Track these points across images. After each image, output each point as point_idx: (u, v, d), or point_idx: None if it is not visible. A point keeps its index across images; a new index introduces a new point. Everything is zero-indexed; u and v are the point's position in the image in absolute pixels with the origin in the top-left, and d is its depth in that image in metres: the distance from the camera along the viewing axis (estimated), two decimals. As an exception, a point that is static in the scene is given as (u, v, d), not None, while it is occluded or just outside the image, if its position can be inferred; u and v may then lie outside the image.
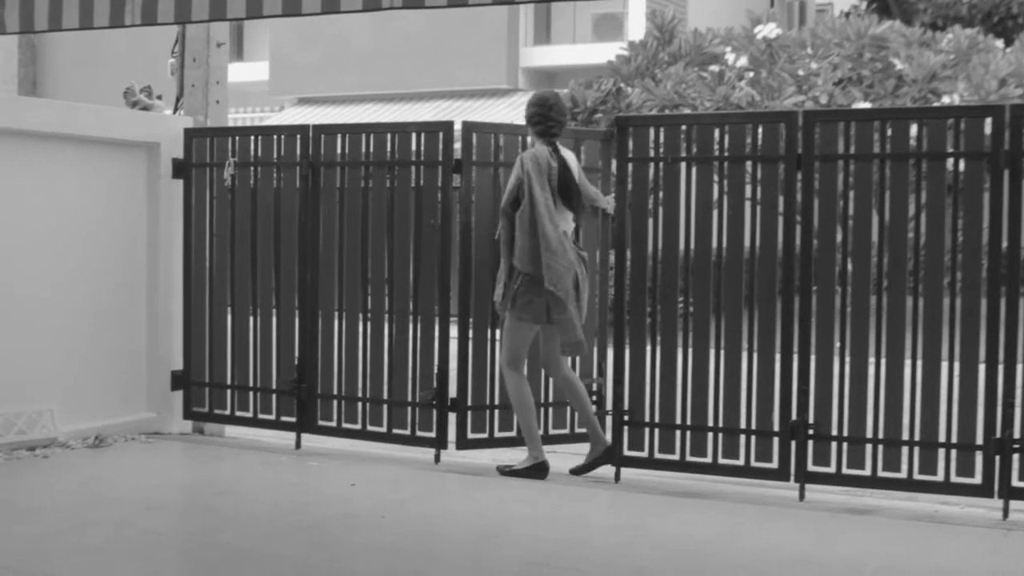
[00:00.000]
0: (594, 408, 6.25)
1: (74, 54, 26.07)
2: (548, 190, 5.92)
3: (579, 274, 5.98)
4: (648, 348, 6.04)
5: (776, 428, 5.72)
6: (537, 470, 6.05)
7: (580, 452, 6.32)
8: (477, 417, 6.39)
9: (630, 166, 6.05)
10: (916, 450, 5.48)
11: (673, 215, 5.97)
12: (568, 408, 6.38)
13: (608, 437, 6.13)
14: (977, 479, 5.37)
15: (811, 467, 5.65)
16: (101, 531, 4.97)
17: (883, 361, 5.56)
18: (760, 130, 5.84)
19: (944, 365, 5.43)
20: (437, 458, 6.41)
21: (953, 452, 5.42)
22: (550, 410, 6.45)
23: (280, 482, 6.07)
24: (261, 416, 6.96)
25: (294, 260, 6.80)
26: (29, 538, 4.82)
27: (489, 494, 5.76)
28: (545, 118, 6.06)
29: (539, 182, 5.91)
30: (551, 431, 6.44)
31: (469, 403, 6.38)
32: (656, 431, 6.00)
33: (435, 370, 6.40)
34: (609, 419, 6.17)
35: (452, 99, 22.23)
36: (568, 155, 6.11)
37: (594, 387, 6.29)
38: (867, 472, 5.57)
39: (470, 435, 6.40)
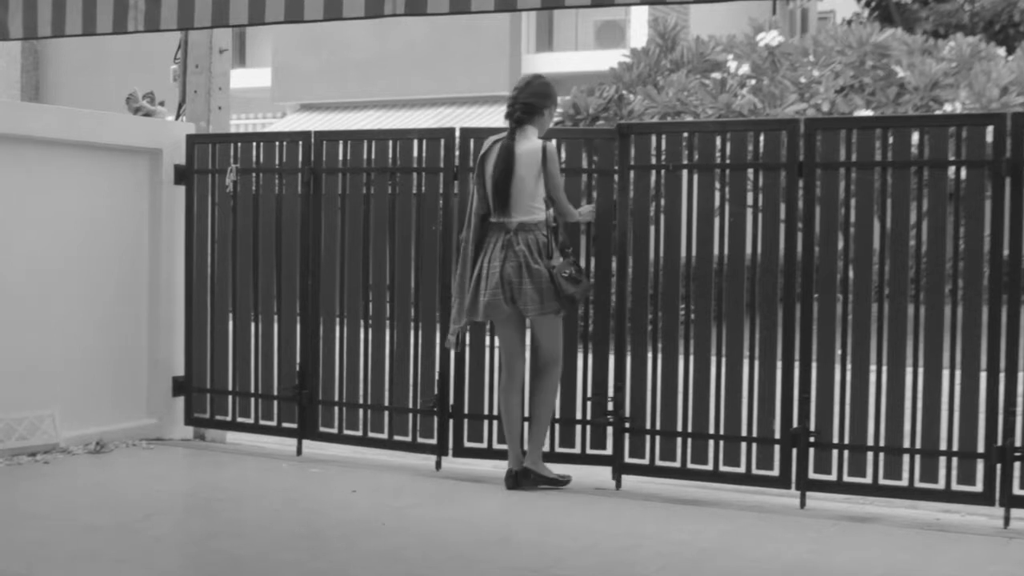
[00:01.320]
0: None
1: (77, 60, 26.11)
2: (478, 183, 5.86)
3: (488, 266, 5.78)
4: (649, 355, 6.04)
5: (777, 436, 5.72)
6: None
7: (589, 471, 6.27)
8: (473, 426, 6.36)
9: (631, 173, 6.05)
10: (917, 458, 5.47)
11: (675, 222, 5.97)
12: (576, 426, 6.16)
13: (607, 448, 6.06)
14: (978, 487, 5.37)
15: (812, 475, 5.65)
16: (103, 536, 4.97)
17: (884, 369, 5.56)
18: (762, 138, 5.84)
19: (945, 373, 5.43)
20: (438, 465, 6.41)
21: (954, 460, 5.42)
22: (557, 427, 6.21)
23: (281, 488, 6.07)
24: (262, 422, 6.96)
25: (296, 266, 6.81)
26: (31, 543, 4.83)
27: (490, 501, 5.75)
28: (512, 100, 5.87)
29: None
30: (557, 448, 6.18)
31: (466, 411, 6.37)
32: (657, 438, 5.99)
33: (436, 376, 6.41)
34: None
35: (454, 106, 22.25)
36: (528, 145, 5.78)
37: (610, 406, 6.06)
38: (868, 480, 5.57)
39: (467, 443, 6.38)
